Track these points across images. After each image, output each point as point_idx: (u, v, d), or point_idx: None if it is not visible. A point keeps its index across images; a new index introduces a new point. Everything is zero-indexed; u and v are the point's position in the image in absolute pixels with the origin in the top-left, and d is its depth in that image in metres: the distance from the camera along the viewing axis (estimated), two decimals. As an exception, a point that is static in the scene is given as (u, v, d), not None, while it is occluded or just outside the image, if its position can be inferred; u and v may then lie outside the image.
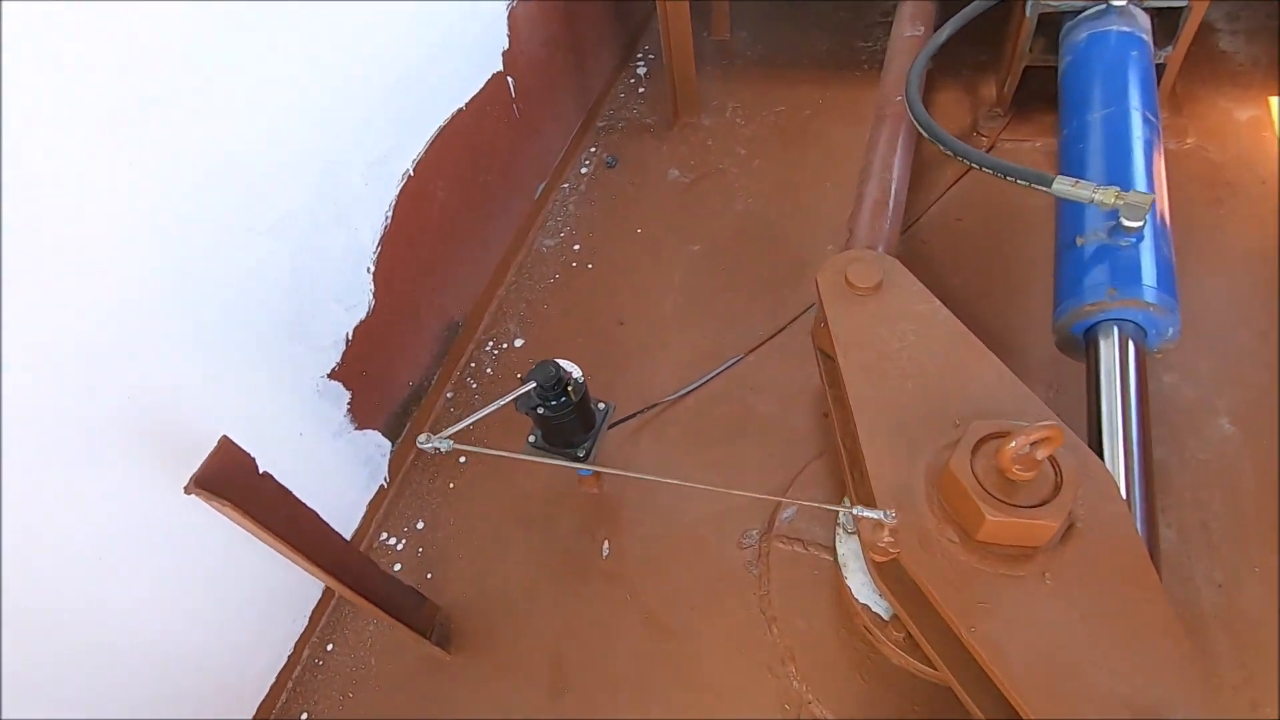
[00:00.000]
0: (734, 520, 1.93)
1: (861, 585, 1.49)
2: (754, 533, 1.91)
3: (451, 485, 2.12)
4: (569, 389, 1.59)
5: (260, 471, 1.20)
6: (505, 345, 2.39)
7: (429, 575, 1.97)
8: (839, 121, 2.87)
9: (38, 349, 1.11)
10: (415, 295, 2.06)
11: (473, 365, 2.36)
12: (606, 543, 1.95)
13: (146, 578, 1.39)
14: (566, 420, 1.62)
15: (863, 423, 1.42)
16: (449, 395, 2.29)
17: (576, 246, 2.62)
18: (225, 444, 1.12)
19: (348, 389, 1.84)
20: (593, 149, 2.93)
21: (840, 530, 1.61)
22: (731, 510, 1.94)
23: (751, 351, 2.24)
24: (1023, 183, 1.75)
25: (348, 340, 1.80)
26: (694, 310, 2.39)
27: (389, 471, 2.09)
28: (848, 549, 1.59)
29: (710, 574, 1.86)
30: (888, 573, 1.35)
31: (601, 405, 1.76)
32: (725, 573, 1.85)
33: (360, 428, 1.92)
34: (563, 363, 1.65)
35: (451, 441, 1.39)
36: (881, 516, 1.25)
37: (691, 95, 2.88)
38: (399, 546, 2.03)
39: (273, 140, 1.49)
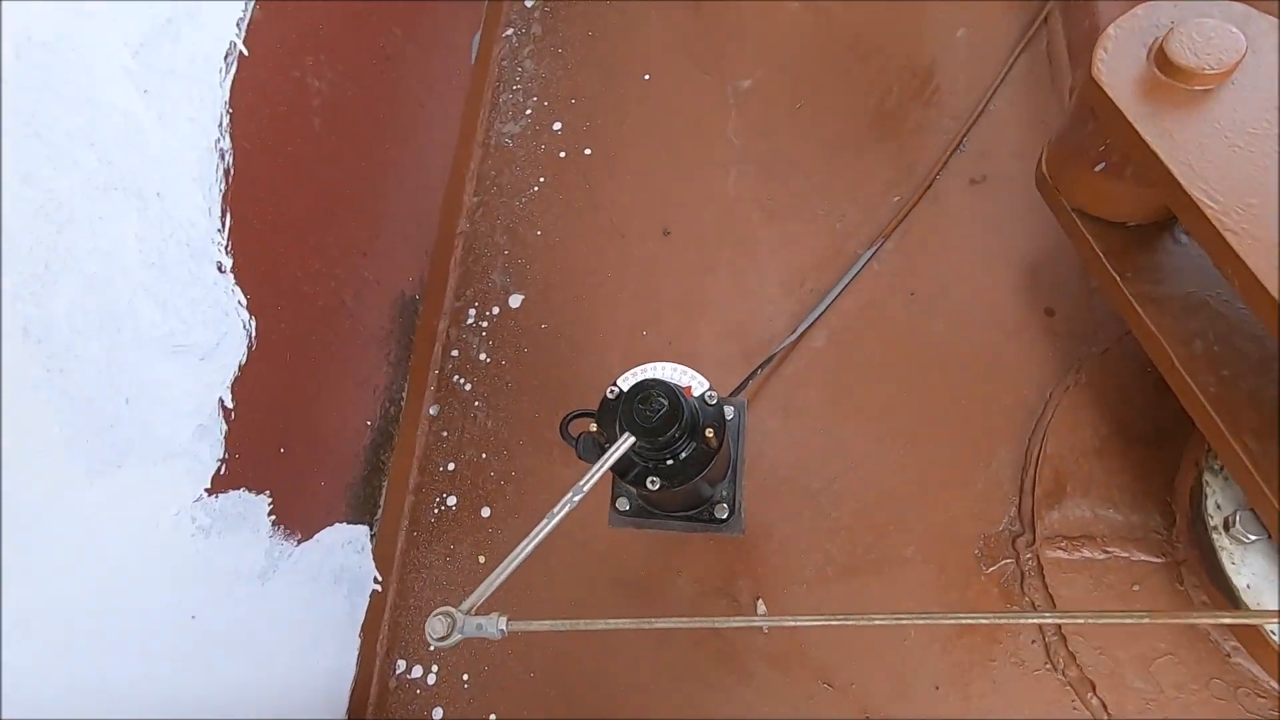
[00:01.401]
0: (959, 525, 1.19)
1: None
2: (999, 535, 1.17)
3: (483, 559, 1.33)
4: (705, 432, 0.77)
5: None
6: (496, 309, 1.52)
7: (491, 718, 1.23)
8: None
9: None
10: (322, 274, 1.15)
11: (455, 354, 1.49)
12: (761, 602, 1.21)
13: None
14: (692, 481, 0.81)
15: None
16: (433, 412, 1.45)
17: (557, 126, 1.67)
18: None
19: (257, 491, 0.99)
20: (533, -35, 1.88)
21: (1221, 532, 0.88)
22: (951, 513, 1.20)
23: (891, 231, 1.40)
24: None
25: (225, 410, 0.93)
26: (772, 185, 1.51)
27: (378, 567, 1.29)
28: (1255, 572, 0.86)
29: (948, 625, 1.14)
30: None
31: (730, 410, 0.93)
32: (977, 617, 1.14)
33: (307, 538, 1.10)
34: (665, 369, 0.81)
35: (503, 619, 0.63)
36: None
37: None
38: (430, 679, 1.27)
39: None
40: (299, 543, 1.08)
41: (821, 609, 1.18)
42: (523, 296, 1.52)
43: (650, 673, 1.20)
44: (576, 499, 0.73)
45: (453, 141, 1.57)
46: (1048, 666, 1.09)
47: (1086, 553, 1.11)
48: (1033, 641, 1.11)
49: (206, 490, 0.90)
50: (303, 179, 1.08)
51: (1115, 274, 0.99)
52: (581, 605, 1.26)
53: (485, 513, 1.36)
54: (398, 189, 1.35)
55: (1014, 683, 1.09)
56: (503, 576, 0.71)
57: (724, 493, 0.93)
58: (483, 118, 1.69)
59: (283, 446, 1.03)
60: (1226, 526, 0.91)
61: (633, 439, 0.74)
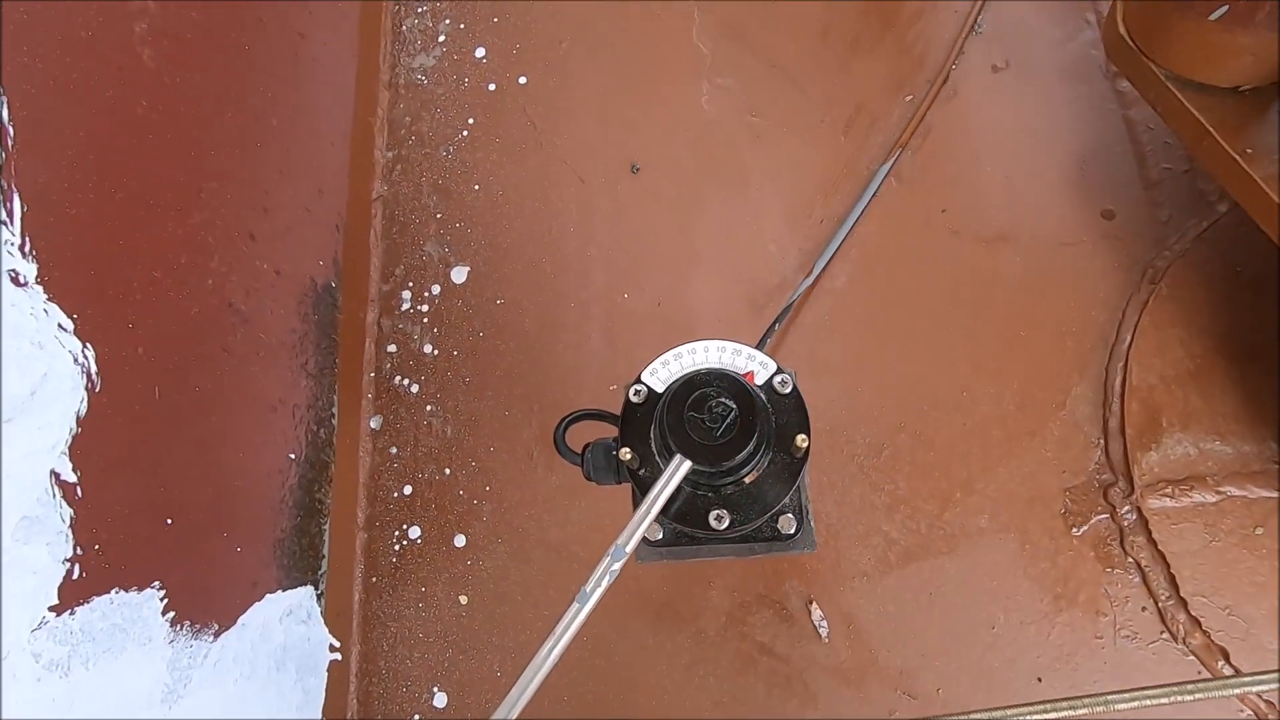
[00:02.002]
0: (1038, 482, 0.99)
1: None
2: (1086, 487, 0.98)
3: (465, 600, 1.07)
4: (795, 439, 0.52)
5: None
6: (436, 287, 1.22)
7: (506, 795, 0.99)
8: None
9: None
10: (192, 271, 0.84)
11: (393, 350, 1.20)
12: (816, 606, 0.99)
13: None
14: (775, 509, 0.57)
15: None
16: (375, 426, 1.16)
17: (480, 52, 1.35)
18: None
19: (139, 586, 0.70)
20: None
21: None
22: (1026, 468, 1.00)
23: (908, 139, 1.16)
24: None
25: (64, 486, 0.63)
26: (756, 97, 1.24)
27: (333, 631, 1.02)
28: None
29: (1040, 598, 0.95)
30: None
31: (786, 380, 0.67)
32: (1070, 589, 0.95)
33: (228, 625, 0.81)
34: (709, 351, 0.55)
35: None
36: None
37: None
38: (421, 758, 1.02)
39: None
40: (217, 635, 0.80)
41: (890, 604, 0.98)
42: (467, 269, 1.22)
43: (693, 711, 0.98)
44: (617, 567, 0.48)
45: (350, 83, 1.24)
46: (1165, 636, 0.92)
47: (1196, 496, 0.93)
48: (1143, 609, 0.93)
49: (53, 608, 0.61)
50: (140, 139, 0.76)
51: (1236, 154, 0.77)
52: (599, 634, 1.03)
53: (459, 542, 1.09)
54: (285, 148, 1.03)
55: (1129, 660, 0.92)
56: (531, 687, 0.45)
57: (796, 512, 0.70)
58: (385, 50, 1.35)
59: (169, 516, 0.74)
60: (1403, 454, 0.74)
61: (688, 464, 0.49)
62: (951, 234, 1.12)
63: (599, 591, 0.47)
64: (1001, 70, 1.18)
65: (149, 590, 0.71)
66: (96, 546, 0.65)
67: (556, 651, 0.47)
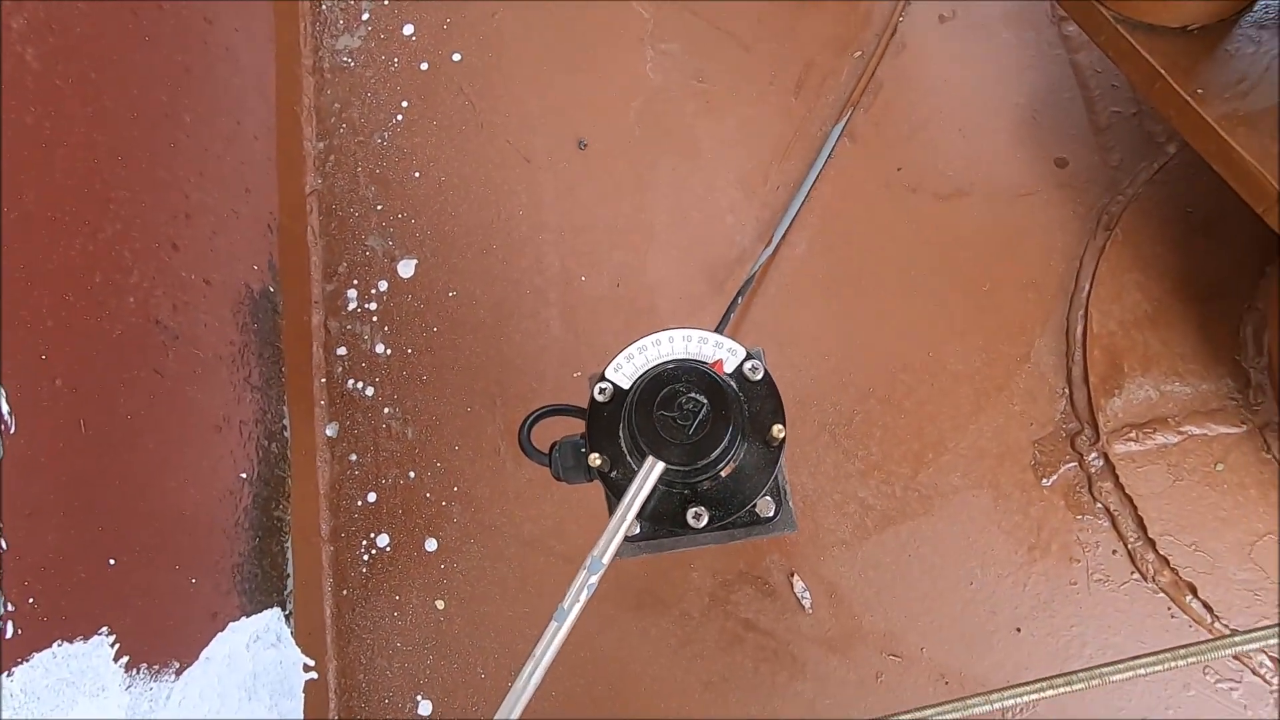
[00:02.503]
0: (1007, 436, 1.00)
1: None
2: (1054, 437, 0.99)
3: (441, 604, 1.04)
4: (772, 429, 0.50)
5: None
6: (383, 283, 1.16)
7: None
8: None
9: None
10: (109, 290, 0.78)
11: (343, 353, 1.14)
12: (798, 578, 0.99)
13: None
14: (756, 499, 0.55)
15: None
16: (331, 434, 1.10)
17: (409, 30, 1.27)
18: None
19: (84, 635, 0.65)
20: None
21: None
22: (995, 423, 1.00)
23: (859, 97, 1.13)
24: None
25: (-18, 540, 0.58)
26: (702, 61, 1.20)
27: (306, 650, 0.98)
28: None
29: (1015, 550, 0.96)
30: None
31: (756, 365, 0.64)
32: (1043, 539, 0.96)
33: (189, 662, 0.77)
34: (675, 342, 0.53)
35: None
36: None
37: None
38: (411, 769, 1.00)
39: None
40: (179, 672, 0.76)
41: (870, 569, 0.98)
42: (415, 261, 1.17)
43: (682, 695, 0.97)
44: (595, 580, 0.45)
45: (269, 69, 1.16)
46: (1136, 577, 0.94)
47: (1159, 438, 0.95)
48: (1114, 552, 0.95)
49: (-16, 672, 0.56)
50: (31, 150, 0.69)
51: (1187, 96, 0.77)
52: (581, 626, 1.01)
53: (430, 545, 1.06)
54: (202, 146, 0.95)
55: (1102, 603, 0.94)
56: (517, 711, 0.43)
57: (773, 494, 0.68)
58: (305, 32, 1.27)
59: (111, 556, 0.69)
60: (1356, 384, 0.75)
61: (662, 465, 0.46)
62: (909, 192, 1.10)
63: (577, 608, 0.45)
64: (949, 20, 1.16)
65: (96, 638, 0.66)
66: (31, 600, 0.60)
67: (539, 674, 0.45)
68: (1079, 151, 1.08)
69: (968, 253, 1.06)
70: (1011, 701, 0.51)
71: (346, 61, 1.27)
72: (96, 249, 0.74)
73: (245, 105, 1.07)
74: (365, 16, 1.29)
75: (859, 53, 1.15)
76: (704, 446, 0.46)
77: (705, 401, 0.47)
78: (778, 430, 0.50)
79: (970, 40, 1.14)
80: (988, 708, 0.45)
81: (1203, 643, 0.41)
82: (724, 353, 0.53)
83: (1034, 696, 0.42)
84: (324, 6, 1.30)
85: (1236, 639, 0.42)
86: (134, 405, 0.76)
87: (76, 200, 0.73)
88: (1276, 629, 0.39)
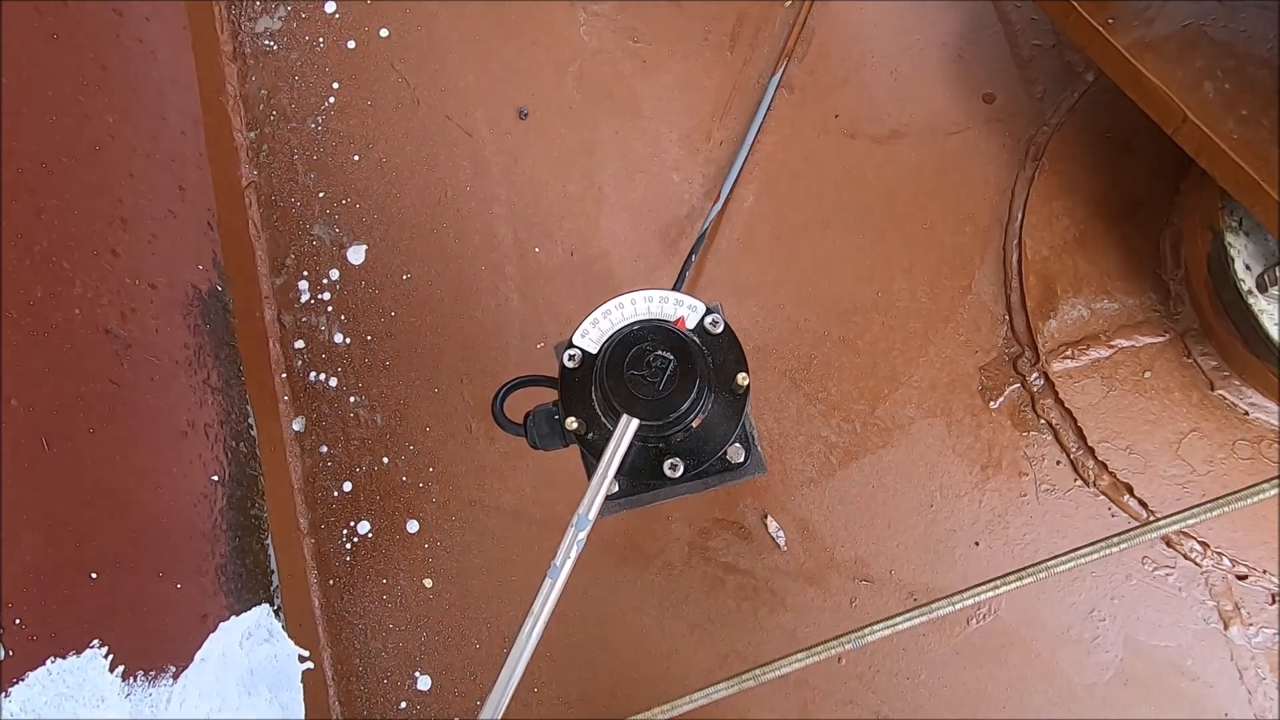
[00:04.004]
0: (955, 365, 1.05)
1: None
2: (998, 362, 1.05)
3: (429, 583, 1.06)
4: (737, 377, 0.52)
5: None
6: (334, 272, 1.15)
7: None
8: None
9: None
10: (51, 304, 0.76)
11: (301, 345, 1.13)
12: (771, 519, 1.04)
13: None
14: (729, 444, 0.58)
15: None
16: (299, 428, 1.10)
17: (330, 7, 1.23)
18: None
19: (76, 650, 0.65)
20: None
21: (1257, 294, 0.79)
22: (944, 354, 1.05)
23: (793, 47, 1.14)
24: None
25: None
26: (634, 19, 1.19)
27: (299, 641, 0.99)
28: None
29: (969, 470, 1.02)
30: None
31: (717, 319, 0.67)
32: (994, 457, 1.02)
33: (185, 665, 0.78)
34: (636, 304, 0.55)
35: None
36: None
37: None
38: (417, 741, 1.03)
39: None
40: (176, 676, 0.77)
41: (837, 503, 1.03)
42: (364, 247, 1.15)
43: (671, 639, 1.02)
44: (583, 536, 0.48)
45: (187, 58, 1.11)
46: (1078, 483, 1.01)
47: (1092, 354, 1.01)
48: (1057, 462, 1.02)
49: (-18, 694, 0.56)
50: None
51: (1099, 26, 0.80)
52: (570, 584, 1.04)
53: (412, 527, 1.07)
54: (128, 145, 0.92)
55: (1051, 511, 1.01)
56: (521, 663, 0.45)
57: (742, 441, 0.71)
58: (220, 16, 1.21)
59: (92, 571, 0.69)
60: (1263, 286, 0.82)
61: (636, 422, 0.49)
62: (847, 138, 1.13)
63: (569, 564, 0.47)
64: (872, -37, 1.17)
65: (89, 651, 0.66)
66: (18, 621, 0.60)
67: (538, 629, 0.47)
68: (1005, 85, 1.12)
69: (907, 192, 1.10)
70: (970, 602, 0.56)
71: (269, 45, 1.23)
72: (33, 263, 0.72)
73: (167, 99, 1.03)
74: (282, -5, 1.24)
75: (789, 2, 1.16)
76: (674, 401, 0.49)
77: (672, 358, 0.49)
78: (742, 379, 0.52)
79: (895, -18, 1.16)
80: (951, 609, 0.49)
81: (1130, 530, 0.46)
82: (685, 310, 0.55)
83: (990, 595, 0.47)
84: (236, -13, 1.24)
85: (1161, 522, 0.47)
86: (94, 418, 0.75)
87: (4, 214, 0.70)
88: (1192, 510, 0.44)
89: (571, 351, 0.55)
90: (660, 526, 1.06)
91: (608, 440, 0.51)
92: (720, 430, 0.55)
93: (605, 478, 0.48)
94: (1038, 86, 1.11)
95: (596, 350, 0.54)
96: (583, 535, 0.48)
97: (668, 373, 0.49)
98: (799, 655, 0.54)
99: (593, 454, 0.55)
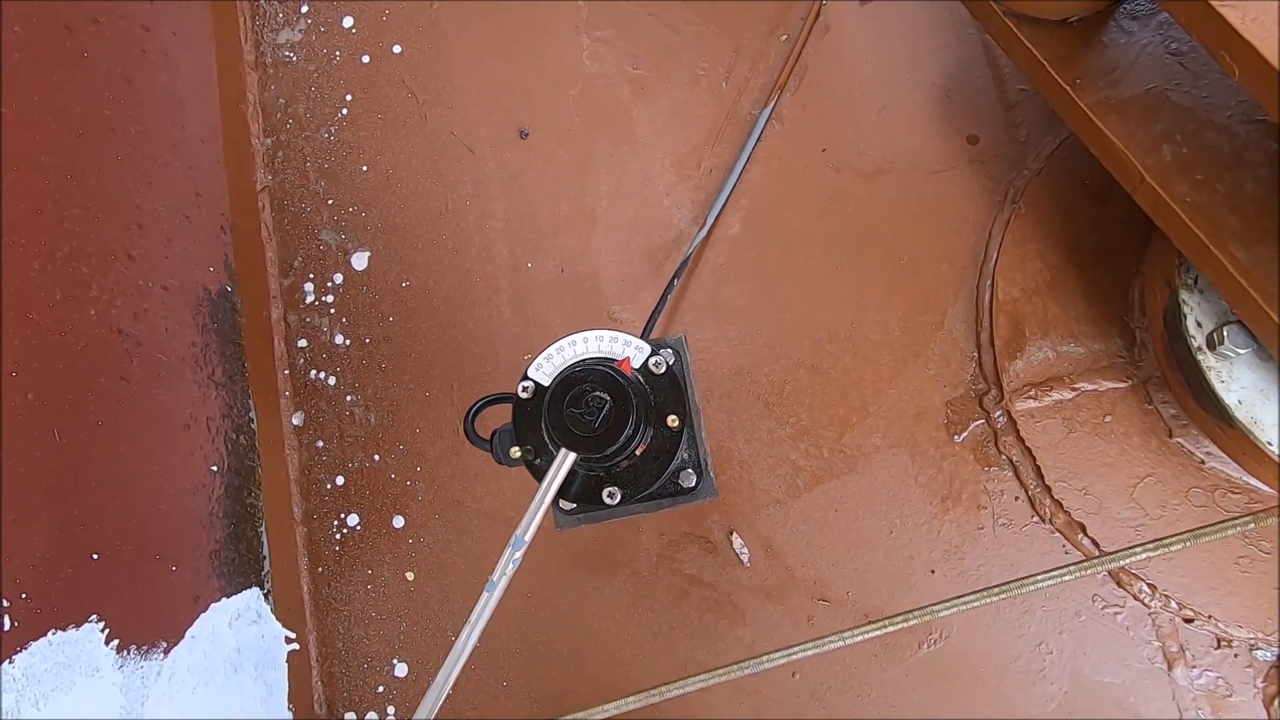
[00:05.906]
0: (923, 398, 1.09)
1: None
2: (964, 397, 1.08)
3: (411, 575, 1.13)
4: (667, 420, 0.57)
5: None
6: (339, 276, 1.21)
7: (475, 743, 1.08)
8: None
9: None
10: (69, 306, 0.83)
11: (304, 345, 1.20)
12: (736, 536, 1.09)
13: None
14: (662, 477, 0.63)
15: None
16: (298, 423, 1.17)
17: (348, 22, 1.29)
18: None
19: (76, 623, 0.72)
20: None
21: (1206, 351, 0.82)
22: (913, 387, 1.09)
23: (786, 80, 1.18)
24: None
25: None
26: (635, 47, 1.24)
27: (286, 624, 1.06)
28: (1244, 386, 0.81)
29: (930, 501, 1.06)
30: None
31: (669, 355, 0.72)
32: (954, 489, 1.06)
33: (176, 641, 0.85)
34: (587, 342, 0.60)
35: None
36: None
37: None
38: (391, 724, 1.10)
39: None
40: (167, 651, 0.83)
41: (801, 524, 1.08)
42: (368, 253, 1.22)
43: (635, 645, 1.07)
44: (519, 555, 0.53)
45: (210, 69, 1.18)
46: (1035, 519, 1.05)
47: (1056, 395, 1.04)
48: (1015, 498, 1.06)
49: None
50: None
51: (1066, 84, 0.84)
52: (541, 590, 1.10)
53: (398, 523, 1.14)
54: (149, 155, 0.99)
55: (1006, 545, 1.05)
56: (451, 678, 0.51)
57: (685, 455, 0.76)
58: (244, 28, 1.28)
59: (94, 552, 0.76)
60: (1211, 344, 0.85)
61: (573, 455, 0.54)
62: (833, 172, 1.17)
63: (504, 580, 0.53)
64: (870, 1, 1.20)
65: (87, 625, 0.73)
66: (24, 595, 0.67)
67: (474, 636, 0.53)
68: (989, 128, 1.15)
69: (887, 228, 1.14)
70: (916, 622, 0.60)
71: (289, 56, 1.29)
72: (54, 268, 0.78)
73: (189, 110, 1.10)
74: (305, 9, 1.30)
75: (785, 36, 1.20)
76: (608, 438, 0.54)
77: (608, 398, 0.54)
78: (672, 420, 0.57)
79: (890, 22, 1.19)
80: (905, 625, 0.53)
81: (1076, 563, 0.50)
82: (631, 350, 0.60)
83: (948, 613, 0.51)
84: (262, 2, 1.31)
85: (1107, 557, 0.50)
86: (104, 412, 0.81)
87: (30, 223, 0.77)
88: (1138, 548, 0.48)
89: (525, 383, 0.60)
90: (631, 537, 1.11)
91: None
92: (657, 463, 0.60)
93: (541, 505, 0.54)
94: (1021, 130, 1.13)
95: (548, 383, 0.59)
96: (519, 554, 0.54)
97: (603, 412, 0.54)
98: (716, 672, 0.59)
99: (539, 479, 0.60)
